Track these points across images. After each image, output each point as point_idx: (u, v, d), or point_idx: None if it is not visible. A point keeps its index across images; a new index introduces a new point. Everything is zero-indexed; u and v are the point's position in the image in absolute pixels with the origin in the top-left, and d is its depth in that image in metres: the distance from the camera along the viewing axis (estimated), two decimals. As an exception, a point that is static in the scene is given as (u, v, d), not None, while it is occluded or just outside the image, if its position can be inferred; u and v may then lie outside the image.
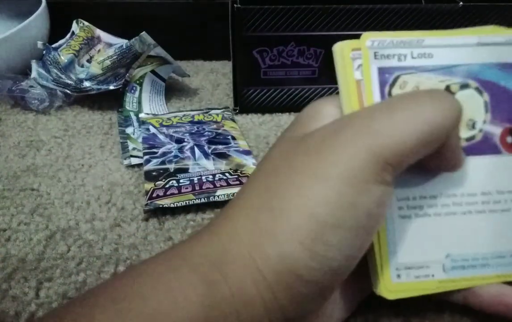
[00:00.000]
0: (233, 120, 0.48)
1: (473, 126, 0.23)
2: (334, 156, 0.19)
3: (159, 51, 0.53)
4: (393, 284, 0.22)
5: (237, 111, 0.51)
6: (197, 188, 0.36)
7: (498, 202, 0.23)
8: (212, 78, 0.61)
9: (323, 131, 0.21)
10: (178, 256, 0.20)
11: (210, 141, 0.43)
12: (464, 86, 0.23)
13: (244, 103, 0.50)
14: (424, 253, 0.22)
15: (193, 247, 0.20)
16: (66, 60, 0.55)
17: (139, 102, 0.52)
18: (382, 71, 0.23)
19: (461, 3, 0.46)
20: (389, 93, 0.23)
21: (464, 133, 0.23)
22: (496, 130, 0.23)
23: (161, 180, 0.37)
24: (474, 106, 0.23)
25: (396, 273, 0.22)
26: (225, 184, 0.37)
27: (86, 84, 0.53)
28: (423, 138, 0.19)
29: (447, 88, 0.23)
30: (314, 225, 0.19)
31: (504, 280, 0.23)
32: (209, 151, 0.41)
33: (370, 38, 0.23)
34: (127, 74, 0.51)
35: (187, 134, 0.44)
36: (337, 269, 0.19)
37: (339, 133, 0.20)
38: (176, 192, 0.36)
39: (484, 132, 0.23)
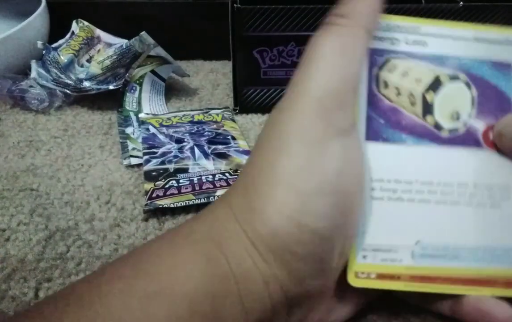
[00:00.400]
0: (233, 120, 0.48)
1: (457, 118, 0.23)
2: (290, 127, 0.20)
3: (159, 51, 0.53)
4: (358, 265, 0.22)
5: (237, 111, 0.50)
6: (197, 188, 0.36)
7: (474, 196, 0.23)
8: (212, 78, 0.61)
9: (281, 104, 0.21)
10: (179, 235, 0.21)
11: (210, 141, 0.43)
12: (454, 78, 0.23)
13: (244, 103, 0.50)
14: (393, 237, 0.22)
15: (193, 226, 0.21)
16: (65, 60, 0.55)
17: (139, 102, 0.52)
18: (372, 52, 0.23)
19: (461, 3, 0.46)
20: (377, 75, 0.23)
21: (448, 124, 0.23)
22: (480, 126, 0.23)
23: (161, 180, 0.37)
24: (461, 99, 0.23)
25: (362, 254, 0.22)
26: (225, 184, 0.37)
27: (86, 84, 0.53)
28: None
29: (436, 78, 0.23)
30: (296, 196, 0.19)
31: (471, 275, 0.22)
32: (209, 151, 0.41)
33: None
34: (127, 74, 0.51)
35: (187, 134, 0.44)
36: (329, 239, 0.20)
37: (291, 103, 0.20)
38: (176, 192, 0.36)
39: (468, 126, 0.23)
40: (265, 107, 0.50)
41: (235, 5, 0.45)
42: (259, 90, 0.49)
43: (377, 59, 0.23)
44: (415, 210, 0.22)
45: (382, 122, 0.23)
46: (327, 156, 0.19)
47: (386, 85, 0.23)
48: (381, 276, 0.22)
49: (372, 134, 0.22)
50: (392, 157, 0.23)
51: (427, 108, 0.23)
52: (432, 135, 0.23)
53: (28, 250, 0.32)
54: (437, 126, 0.23)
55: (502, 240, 0.23)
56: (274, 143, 0.20)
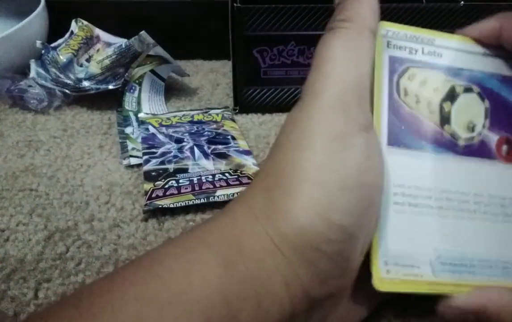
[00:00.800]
0: (233, 120, 0.48)
1: (472, 129, 0.24)
2: (312, 123, 0.20)
3: (158, 50, 0.53)
4: (382, 278, 0.22)
5: (237, 111, 0.50)
6: (196, 188, 0.36)
7: (489, 206, 0.23)
8: (211, 77, 0.61)
9: (300, 103, 0.21)
10: (195, 238, 0.20)
11: (210, 141, 0.43)
12: (468, 89, 0.24)
13: (244, 103, 0.50)
14: (413, 245, 0.22)
15: (210, 228, 0.20)
16: (65, 60, 0.55)
17: (139, 102, 0.52)
18: (393, 60, 0.23)
19: (462, 2, 0.46)
20: (397, 82, 0.23)
21: (464, 134, 0.24)
22: (493, 137, 0.24)
23: (160, 180, 0.37)
24: (475, 110, 0.24)
25: (385, 268, 0.22)
26: (225, 184, 0.37)
27: (85, 83, 0.53)
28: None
29: (452, 89, 0.24)
30: (322, 192, 0.19)
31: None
32: (209, 151, 0.41)
33: (385, 27, 0.23)
34: (126, 74, 0.51)
35: (187, 134, 0.44)
36: (355, 235, 0.19)
37: (315, 101, 0.21)
38: (176, 192, 0.36)
39: (482, 137, 0.24)
40: (265, 107, 0.50)
41: (235, 5, 0.45)
42: (259, 90, 0.49)
43: (397, 67, 0.23)
44: (434, 218, 0.23)
45: (403, 128, 0.23)
46: (350, 150, 0.20)
47: (406, 92, 0.23)
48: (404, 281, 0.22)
49: (394, 139, 0.23)
50: (413, 164, 0.23)
51: (445, 118, 0.24)
52: (450, 145, 0.23)
53: (28, 250, 0.32)
54: (454, 136, 0.24)
55: None
56: (296, 141, 0.20)
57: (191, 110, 0.51)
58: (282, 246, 0.19)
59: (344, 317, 0.22)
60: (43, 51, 0.55)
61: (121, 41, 0.57)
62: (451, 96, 0.24)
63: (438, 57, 0.24)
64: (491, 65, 0.24)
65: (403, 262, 0.22)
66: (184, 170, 0.39)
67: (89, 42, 0.60)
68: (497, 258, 0.23)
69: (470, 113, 0.24)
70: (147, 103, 0.52)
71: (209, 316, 0.17)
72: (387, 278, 0.22)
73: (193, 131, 0.45)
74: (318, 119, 0.20)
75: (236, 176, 0.38)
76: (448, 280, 0.22)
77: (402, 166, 0.23)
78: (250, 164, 0.40)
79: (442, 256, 0.22)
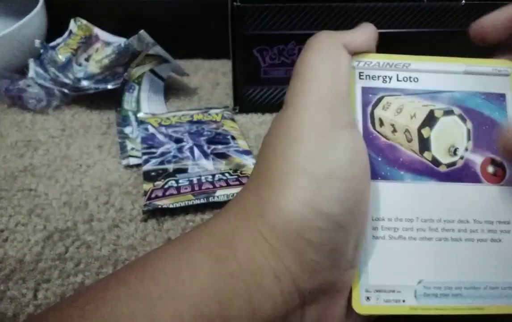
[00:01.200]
0: (232, 120, 0.48)
1: (454, 153, 0.23)
2: (299, 119, 0.21)
3: (157, 50, 0.52)
4: (362, 306, 0.22)
5: (237, 110, 0.50)
6: (196, 188, 0.36)
7: (475, 231, 0.23)
8: (211, 77, 0.60)
9: (285, 105, 0.22)
10: (188, 239, 0.21)
11: (210, 141, 0.43)
12: (448, 112, 0.23)
13: (244, 103, 0.50)
14: (395, 276, 0.22)
15: (203, 230, 0.21)
16: (63, 59, 0.55)
17: (138, 102, 0.51)
18: (366, 91, 0.23)
19: (463, 1, 0.46)
20: (371, 113, 0.23)
21: (445, 159, 0.23)
22: (478, 159, 0.23)
23: (160, 180, 0.37)
24: (456, 133, 0.23)
25: (365, 295, 0.22)
26: (225, 184, 0.36)
27: (84, 83, 0.52)
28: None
29: (431, 113, 0.23)
30: (310, 181, 0.19)
31: (475, 313, 0.22)
32: (209, 151, 0.41)
33: (356, 59, 0.24)
34: (126, 73, 0.51)
35: (186, 134, 0.44)
36: (344, 226, 0.20)
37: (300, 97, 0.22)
38: (175, 192, 0.36)
39: (465, 160, 0.23)
40: (265, 107, 0.50)
41: (235, 4, 0.44)
42: (259, 90, 0.49)
43: (370, 98, 0.23)
44: (417, 248, 0.22)
45: (380, 160, 0.23)
46: (337, 143, 0.20)
47: (381, 123, 0.23)
48: (387, 301, 0.22)
49: (371, 173, 0.22)
50: (392, 195, 0.23)
51: (424, 144, 0.23)
52: (430, 171, 0.23)
53: (27, 250, 0.32)
54: (435, 161, 0.23)
55: (504, 276, 0.23)
56: (284, 136, 0.21)
57: (190, 110, 0.51)
58: (271, 239, 0.19)
59: (341, 320, 0.22)
60: (41, 51, 0.55)
61: (120, 41, 0.57)
62: (430, 121, 0.23)
63: (414, 82, 0.24)
64: (472, 83, 0.24)
65: (384, 290, 0.22)
66: (184, 170, 0.39)
67: (88, 41, 0.60)
68: (485, 281, 0.23)
69: (451, 136, 0.23)
70: (147, 103, 0.52)
71: (200, 311, 0.18)
72: (367, 304, 0.22)
73: (192, 131, 0.45)
74: (304, 115, 0.21)
75: (236, 176, 0.38)
76: (432, 305, 0.22)
77: (381, 198, 0.22)
78: (250, 164, 0.40)
79: (426, 284, 0.22)
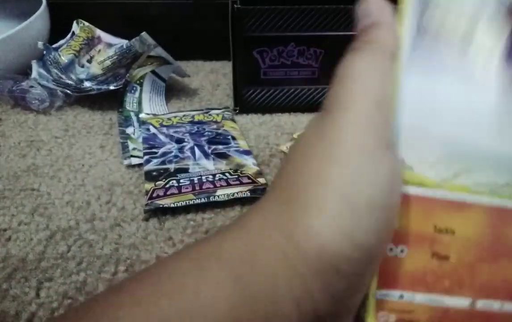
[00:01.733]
0: (233, 120, 0.48)
1: None
2: (341, 136, 0.19)
3: (159, 51, 0.53)
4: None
5: (237, 111, 0.51)
6: (197, 188, 0.36)
7: None
8: (212, 78, 0.61)
9: (325, 116, 0.20)
10: (206, 252, 0.19)
11: (210, 141, 0.43)
12: None
13: (244, 103, 0.50)
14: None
15: (221, 242, 0.20)
16: (66, 61, 0.55)
17: (139, 103, 0.52)
18: None
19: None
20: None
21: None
22: None
23: (161, 180, 0.38)
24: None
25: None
26: (225, 184, 0.37)
27: (87, 84, 0.53)
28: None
29: None
30: (348, 209, 0.18)
31: None
32: (209, 151, 0.41)
33: None
34: (127, 75, 0.51)
35: (187, 134, 0.44)
36: (374, 257, 0.19)
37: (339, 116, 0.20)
38: (176, 192, 0.36)
39: None
40: (265, 107, 0.50)
41: (235, 6, 0.45)
42: (259, 90, 0.49)
43: None
44: None
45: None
46: (379, 167, 0.19)
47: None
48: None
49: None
50: None
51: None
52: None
53: (29, 249, 0.32)
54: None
55: None
56: (322, 153, 0.19)
57: (191, 110, 0.51)
58: (298, 263, 0.18)
59: None
60: (44, 52, 0.55)
61: (122, 42, 0.57)
62: None
63: None
64: None
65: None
66: (185, 170, 0.39)
67: (90, 43, 0.60)
68: None
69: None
70: (148, 104, 0.52)
71: None
72: None
73: (193, 131, 0.45)
74: (347, 133, 0.19)
75: (236, 176, 0.38)
76: None
77: None
78: (250, 164, 0.40)
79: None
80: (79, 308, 0.19)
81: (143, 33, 0.52)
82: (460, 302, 0.22)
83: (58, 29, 0.61)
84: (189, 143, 0.43)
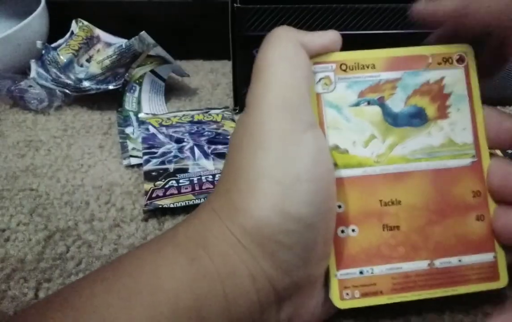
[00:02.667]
0: (233, 120, 0.48)
1: None
2: (262, 123, 0.21)
3: (158, 50, 0.53)
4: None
5: (237, 111, 0.50)
6: (197, 188, 0.36)
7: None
8: (212, 78, 0.61)
9: (247, 108, 0.23)
10: (162, 239, 0.21)
11: (210, 141, 0.43)
12: None
13: (244, 103, 0.50)
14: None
15: (177, 230, 0.22)
16: (65, 60, 0.55)
17: (139, 102, 0.52)
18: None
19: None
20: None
21: None
22: None
23: (160, 180, 0.37)
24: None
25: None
26: (225, 184, 0.37)
27: (86, 84, 0.53)
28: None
29: None
30: (277, 186, 0.20)
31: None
32: (209, 151, 0.41)
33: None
34: (127, 74, 0.51)
35: (187, 134, 0.44)
36: (313, 225, 0.20)
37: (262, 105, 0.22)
38: (176, 192, 0.36)
39: None
40: (265, 107, 0.50)
41: (235, 5, 0.45)
42: (259, 90, 0.49)
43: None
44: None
45: None
46: (301, 146, 0.21)
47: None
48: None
49: None
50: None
51: None
52: None
53: (28, 250, 0.32)
54: None
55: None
56: (249, 142, 0.21)
57: (191, 110, 0.51)
58: (244, 241, 0.20)
59: (317, 311, 0.23)
60: (43, 52, 0.55)
61: (121, 42, 0.57)
62: None
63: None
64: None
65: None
66: (184, 170, 0.39)
67: (89, 42, 0.60)
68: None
69: None
70: (147, 103, 0.52)
71: (176, 309, 0.18)
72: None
73: (193, 131, 0.45)
74: (266, 119, 0.21)
75: (236, 176, 0.38)
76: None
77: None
78: (250, 164, 0.40)
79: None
80: (51, 295, 0.20)
81: (143, 33, 0.51)
82: (418, 265, 0.23)
83: (57, 29, 0.61)
84: (188, 143, 0.43)
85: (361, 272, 0.23)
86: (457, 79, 0.24)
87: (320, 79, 0.24)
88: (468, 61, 0.25)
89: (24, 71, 0.55)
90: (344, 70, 0.24)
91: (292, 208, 0.20)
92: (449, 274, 0.23)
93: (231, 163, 0.22)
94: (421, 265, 0.23)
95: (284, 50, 0.22)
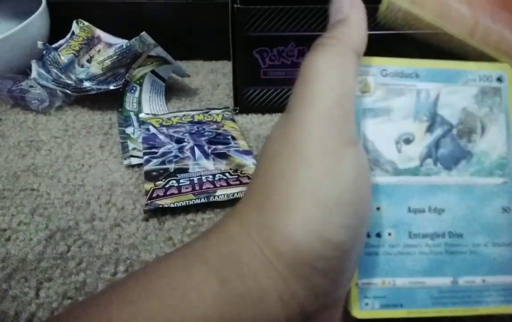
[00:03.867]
0: (233, 120, 0.48)
1: None
2: (304, 137, 0.20)
3: (159, 51, 0.53)
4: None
5: (237, 111, 0.51)
6: (197, 188, 0.36)
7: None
8: (212, 78, 0.61)
9: (288, 117, 0.21)
10: (192, 255, 0.20)
11: (210, 141, 0.43)
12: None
13: (244, 103, 0.50)
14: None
15: (207, 246, 0.20)
16: (66, 60, 0.55)
17: (139, 102, 0.52)
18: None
19: (461, 3, 0.46)
20: None
21: None
22: None
23: (161, 180, 0.37)
24: None
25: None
26: (225, 184, 0.37)
27: (86, 84, 0.53)
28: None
29: None
30: (318, 208, 0.19)
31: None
32: (209, 151, 0.41)
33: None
34: (127, 74, 0.51)
35: (187, 134, 0.44)
36: (349, 252, 0.19)
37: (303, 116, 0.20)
38: (176, 192, 0.36)
39: None
40: (265, 107, 0.50)
41: (235, 5, 0.45)
42: (259, 90, 0.49)
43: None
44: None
45: None
46: (344, 165, 0.19)
47: None
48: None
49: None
50: None
51: None
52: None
53: (29, 249, 0.32)
54: None
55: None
56: (288, 154, 0.20)
57: (191, 110, 0.51)
58: (277, 263, 0.19)
59: None
60: (44, 52, 0.55)
61: (122, 42, 0.57)
62: None
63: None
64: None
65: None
66: (185, 170, 0.39)
67: (90, 42, 0.60)
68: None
69: None
70: (148, 104, 0.52)
71: None
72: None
73: (193, 131, 0.45)
74: (310, 132, 0.20)
75: (236, 176, 0.38)
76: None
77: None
78: (250, 164, 0.40)
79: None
80: (73, 308, 0.19)
81: (143, 33, 0.51)
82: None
83: (58, 29, 0.61)
84: (189, 143, 0.43)
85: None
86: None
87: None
88: (508, 80, 0.25)
89: (25, 72, 0.55)
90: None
91: (332, 233, 0.18)
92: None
93: (265, 173, 0.20)
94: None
95: (335, 58, 0.21)
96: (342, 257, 0.19)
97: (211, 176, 0.38)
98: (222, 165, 0.40)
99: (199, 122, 0.47)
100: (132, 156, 0.42)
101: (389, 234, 0.23)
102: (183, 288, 0.18)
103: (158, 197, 0.35)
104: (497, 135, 0.24)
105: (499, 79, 0.25)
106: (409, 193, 0.23)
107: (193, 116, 0.48)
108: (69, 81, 0.53)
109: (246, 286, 0.19)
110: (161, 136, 0.44)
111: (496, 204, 0.24)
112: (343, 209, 0.19)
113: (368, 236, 0.23)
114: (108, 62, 0.55)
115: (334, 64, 0.21)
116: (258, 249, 0.19)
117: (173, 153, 0.41)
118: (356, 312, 0.23)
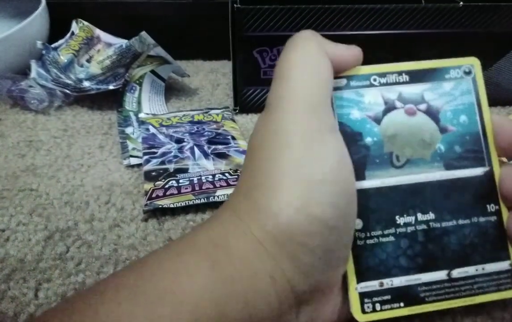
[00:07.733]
0: (233, 120, 0.48)
1: None
2: (286, 123, 0.21)
3: (158, 51, 0.53)
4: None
5: (237, 111, 0.50)
6: (196, 188, 0.36)
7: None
8: (212, 78, 0.61)
9: (269, 107, 0.22)
10: (184, 242, 0.21)
11: (210, 141, 0.43)
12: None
13: (244, 103, 0.50)
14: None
15: (198, 233, 0.21)
16: (65, 60, 0.55)
17: (139, 102, 0.52)
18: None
19: (461, 3, 0.46)
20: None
21: None
22: None
23: (160, 180, 0.37)
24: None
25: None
26: (225, 184, 0.37)
27: (86, 84, 0.53)
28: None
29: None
30: (302, 187, 0.19)
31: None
32: (209, 151, 0.41)
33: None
34: (127, 74, 0.51)
35: (187, 134, 0.44)
36: (336, 228, 0.20)
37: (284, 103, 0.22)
38: (176, 192, 0.36)
39: None
40: (265, 107, 0.50)
41: (235, 5, 0.45)
42: (259, 90, 0.49)
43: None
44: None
45: None
46: (326, 147, 0.20)
47: None
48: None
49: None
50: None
51: None
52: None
53: (28, 250, 0.32)
54: None
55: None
56: (272, 141, 0.21)
57: (191, 110, 0.51)
58: (266, 243, 0.19)
59: (332, 317, 0.23)
60: (43, 52, 0.55)
61: (121, 42, 0.57)
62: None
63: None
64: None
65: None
66: (184, 170, 0.39)
67: (89, 42, 0.60)
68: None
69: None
70: (148, 104, 0.52)
71: (197, 313, 0.18)
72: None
73: (193, 131, 0.45)
74: (291, 119, 0.21)
75: (236, 176, 0.38)
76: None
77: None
78: (250, 164, 0.40)
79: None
80: (71, 296, 0.20)
81: (143, 33, 0.51)
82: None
83: (57, 29, 0.61)
84: (188, 143, 0.43)
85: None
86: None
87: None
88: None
89: (24, 72, 0.55)
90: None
91: (316, 209, 0.19)
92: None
93: (251, 163, 0.22)
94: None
95: (308, 53, 0.22)
96: (328, 233, 0.20)
97: (211, 176, 0.38)
98: (222, 165, 0.39)
99: (199, 122, 0.47)
100: (131, 156, 0.42)
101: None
102: (175, 272, 0.19)
103: (157, 197, 0.35)
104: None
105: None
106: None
107: (192, 116, 0.48)
108: (69, 81, 0.53)
109: (236, 267, 0.19)
110: (161, 136, 0.44)
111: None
112: (328, 187, 0.20)
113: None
114: (107, 62, 0.54)
115: (309, 56, 0.22)
116: (248, 231, 0.20)
117: (172, 154, 0.41)
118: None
